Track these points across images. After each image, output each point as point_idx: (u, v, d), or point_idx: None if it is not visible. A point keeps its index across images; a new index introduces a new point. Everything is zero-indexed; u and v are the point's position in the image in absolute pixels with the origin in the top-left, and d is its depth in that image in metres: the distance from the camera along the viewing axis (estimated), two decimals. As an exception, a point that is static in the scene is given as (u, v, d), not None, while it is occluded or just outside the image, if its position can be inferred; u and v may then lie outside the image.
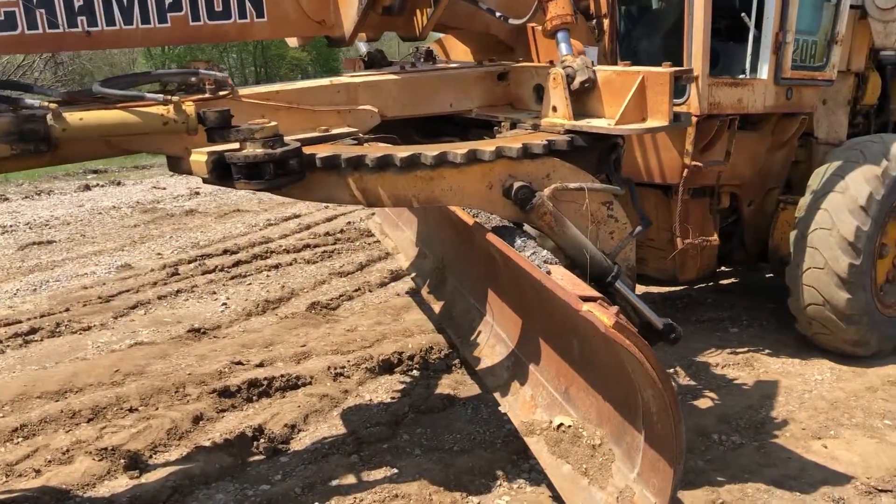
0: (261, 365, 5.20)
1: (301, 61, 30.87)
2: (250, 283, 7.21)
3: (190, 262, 7.92)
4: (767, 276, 6.48)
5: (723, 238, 5.28)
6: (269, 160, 2.78)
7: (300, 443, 4.25)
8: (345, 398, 4.75)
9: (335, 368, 5.07)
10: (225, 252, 8.26)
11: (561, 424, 3.26)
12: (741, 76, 4.74)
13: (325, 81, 3.53)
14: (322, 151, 3.02)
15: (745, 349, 5.35)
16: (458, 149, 3.05)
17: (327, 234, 9.00)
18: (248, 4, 3.32)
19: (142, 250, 8.59)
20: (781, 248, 5.30)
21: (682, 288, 6.28)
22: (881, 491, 3.69)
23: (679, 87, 3.43)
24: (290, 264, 7.80)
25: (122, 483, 3.87)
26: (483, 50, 4.55)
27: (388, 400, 4.72)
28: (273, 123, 2.84)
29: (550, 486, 3.39)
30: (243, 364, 5.20)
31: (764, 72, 4.72)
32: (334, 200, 3.21)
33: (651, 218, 4.39)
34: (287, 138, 2.91)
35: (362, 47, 4.56)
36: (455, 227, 4.52)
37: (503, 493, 3.72)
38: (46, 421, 4.43)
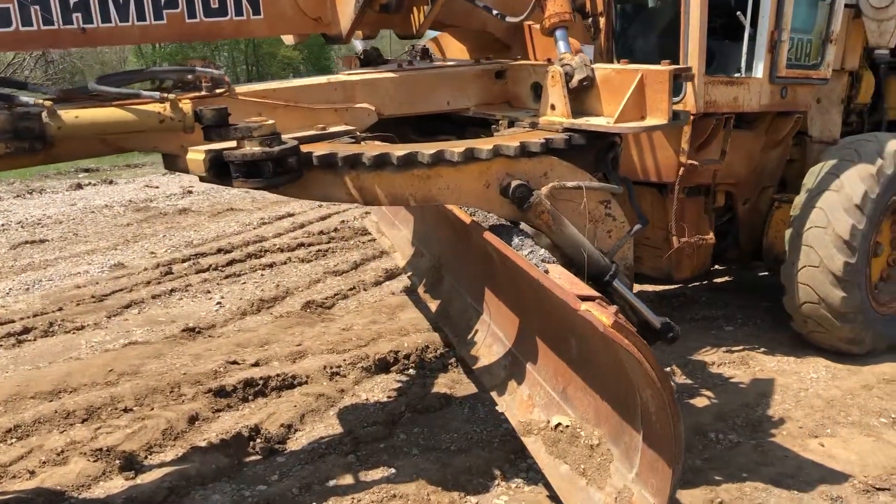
0: (256, 364, 5.18)
1: (293, 60, 30.89)
2: (244, 282, 7.18)
3: (184, 261, 7.88)
4: (761, 274, 6.50)
5: (717, 236, 5.30)
6: (268, 158, 2.77)
7: (297, 443, 4.23)
8: (341, 397, 4.73)
9: (331, 368, 5.05)
10: (219, 251, 8.23)
11: (559, 424, 3.25)
12: (737, 75, 4.76)
13: (322, 79, 3.51)
14: (319, 150, 3.01)
15: (741, 347, 5.37)
16: (456, 147, 3.04)
17: (321, 232, 8.98)
18: (244, 1, 3.30)
19: (135, 249, 8.55)
20: (776, 247, 5.33)
21: (676, 286, 6.29)
22: (879, 489, 3.71)
23: (676, 85, 3.44)
24: (285, 263, 7.78)
25: (117, 484, 3.84)
26: (479, 48, 4.53)
27: (385, 399, 4.70)
28: (271, 122, 2.83)
29: (548, 486, 3.38)
30: (238, 363, 5.18)
31: (759, 70, 4.74)
32: (331, 199, 3.20)
33: (647, 217, 4.40)
34: (284, 136, 2.90)
35: (358, 45, 4.55)
36: (452, 226, 4.51)
37: (501, 492, 3.71)
38: (40, 421, 4.39)
